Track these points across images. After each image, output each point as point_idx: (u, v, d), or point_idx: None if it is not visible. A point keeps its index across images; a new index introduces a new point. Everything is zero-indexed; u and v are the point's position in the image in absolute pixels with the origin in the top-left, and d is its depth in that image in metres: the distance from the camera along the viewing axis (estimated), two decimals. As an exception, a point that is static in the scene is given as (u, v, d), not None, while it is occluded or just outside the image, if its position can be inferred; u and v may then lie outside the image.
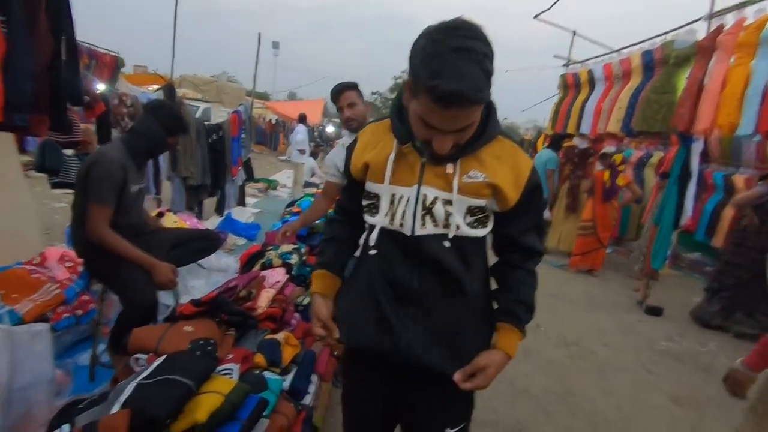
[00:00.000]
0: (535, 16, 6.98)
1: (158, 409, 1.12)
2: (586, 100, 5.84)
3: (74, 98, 2.36)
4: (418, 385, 1.10)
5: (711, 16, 4.07)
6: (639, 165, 6.92)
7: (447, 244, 1.00)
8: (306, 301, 2.41)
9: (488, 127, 0.98)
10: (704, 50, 3.95)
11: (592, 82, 5.88)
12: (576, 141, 6.34)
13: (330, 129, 20.31)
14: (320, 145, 15.44)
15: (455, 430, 1.13)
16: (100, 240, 1.90)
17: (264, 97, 27.82)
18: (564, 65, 7.13)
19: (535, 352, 3.17)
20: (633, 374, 3.05)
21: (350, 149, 1.13)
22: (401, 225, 1.01)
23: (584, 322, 3.92)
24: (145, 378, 1.27)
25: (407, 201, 1.01)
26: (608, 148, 6.60)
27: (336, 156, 2.36)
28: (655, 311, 4.27)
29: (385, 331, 1.06)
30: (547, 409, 2.51)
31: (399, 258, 1.04)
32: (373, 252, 1.07)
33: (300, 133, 7.97)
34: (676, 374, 3.11)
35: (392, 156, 1.02)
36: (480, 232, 1.04)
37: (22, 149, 2.70)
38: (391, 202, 1.03)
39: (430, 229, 1.00)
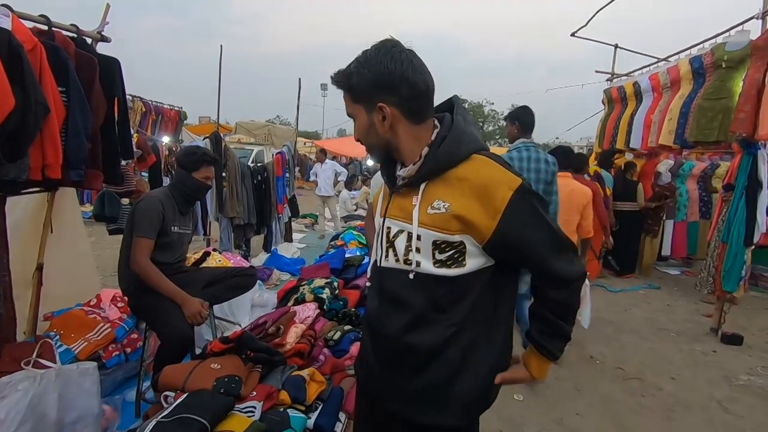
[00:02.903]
0: (572, 34, 6.81)
1: (171, 448, 1.16)
2: (633, 114, 5.54)
3: (126, 153, 2.62)
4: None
5: (765, 13, 3.76)
6: (703, 177, 6.35)
7: (408, 281, 0.95)
8: (336, 335, 2.41)
9: (445, 143, 0.94)
10: (760, 50, 3.63)
11: (638, 95, 5.59)
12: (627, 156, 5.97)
13: (371, 162, 20.93)
14: (367, 177, 15.78)
15: None
16: (140, 270, 2.06)
17: (315, 136, 29.22)
18: (608, 80, 6.85)
19: (587, 387, 2.91)
20: (707, 414, 2.69)
21: None
22: (377, 255, 1.06)
23: (647, 353, 3.56)
24: (165, 416, 1.32)
25: (379, 232, 1.05)
26: (665, 162, 6.16)
27: (376, 182, 2.42)
28: (733, 340, 3.78)
29: (364, 366, 1.11)
30: (602, 452, 2.27)
31: (373, 291, 1.07)
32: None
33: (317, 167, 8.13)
34: (762, 414, 2.70)
35: (383, 190, 1.10)
36: (449, 272, 0.93)
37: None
38: (376, 234, 1.07)
39: (392, 262, 0.99)
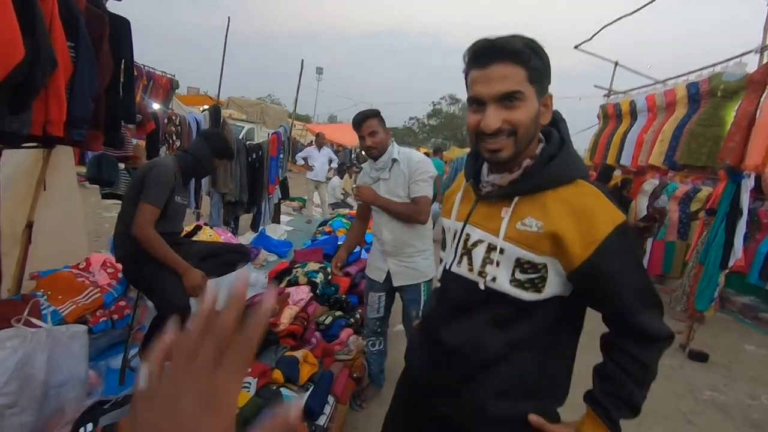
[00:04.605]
0: (576, 47, 6.92)
1: (174, 416, 1.16)
2: (627, 131, 5.68)
3: (128, 117, 2.56)
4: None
5: (762, 48, 3.90)
6: (685, 199, 6.58)
7: (477, 292, 0.90)
8: (328, 320, 2.44)
9: (554, 163, 0.87)
10: (755, 84, 3.78)
11: (633, 113, 5.73)
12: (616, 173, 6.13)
13: (365, 152, 20.68)
14: (353, 165, 15.69)
15: None
16: (143, 236, 1.99)
17: (306, 119, 28.88)
18: (605, 95, 7.00)
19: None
20: (671, 424, 2.82)
21: None
22: (448, 259, 1.00)
23: (619, 362, 3.69)
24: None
25: (455, 235, 0.98)
26: (651, 181, 6.35)
27: (361, 181, 2.40)
28: (699, 357, 3.97)
29: (414, 365, 1.08)
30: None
31: (436, 292, 1.04)
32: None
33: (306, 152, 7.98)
34: (722, 428, 2.86)
35: (460, 192, 1.03)
36: (523, 295, 0.87)
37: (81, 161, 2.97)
38: (449, 237, 1.01)
39: (464, 270, 0.94)
